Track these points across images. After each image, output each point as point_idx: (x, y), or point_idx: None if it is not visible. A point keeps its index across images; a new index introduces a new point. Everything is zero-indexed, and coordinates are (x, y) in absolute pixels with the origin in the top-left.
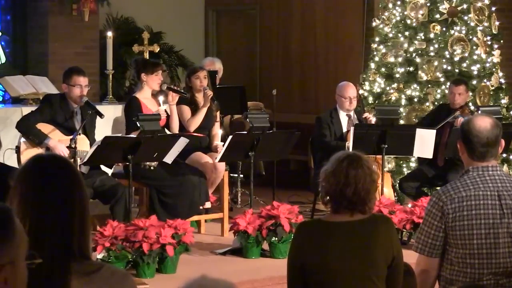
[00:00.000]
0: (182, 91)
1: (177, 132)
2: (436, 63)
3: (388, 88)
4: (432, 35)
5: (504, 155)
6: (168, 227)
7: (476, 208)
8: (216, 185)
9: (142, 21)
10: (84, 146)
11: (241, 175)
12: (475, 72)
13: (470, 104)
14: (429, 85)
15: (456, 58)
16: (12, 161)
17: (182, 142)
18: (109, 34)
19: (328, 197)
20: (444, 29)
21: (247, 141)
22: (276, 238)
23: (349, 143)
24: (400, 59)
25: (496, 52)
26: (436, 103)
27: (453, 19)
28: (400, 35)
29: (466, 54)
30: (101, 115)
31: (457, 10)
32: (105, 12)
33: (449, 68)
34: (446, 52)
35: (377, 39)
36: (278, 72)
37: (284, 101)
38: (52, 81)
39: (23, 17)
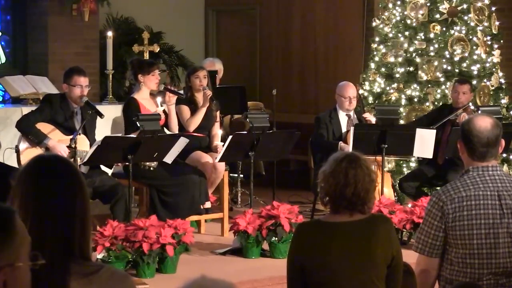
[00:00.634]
0: (180, 92)
1: (176, 132)
2: (436, 63)
3: (388, 88)
4: (432, 35)
5: (504, 155)
6: (168, 227)
7: (476, 208)
8: (216, 185)
9: (142, 21)
10: (84, 146)
11: (241, 175)
12: (475, 72)
13: (470, 104)
14: (429, 85)
15: (456, 58)
16: (11, 161)
17: (182, 142)
18: (109, 34)
19: (327, 198)
20: (444, 29)
21: (247, 141)
22: (276, 238)
23: (342, 143)
24: (400, 59)
25: (496, 52)
26: (436, 103)
27: (453, 19)
28: (400, 35)
29: (466, 54)
30: (101, 115)
31: (457, 10)
32: (105, 12)
33: (449, 68)
34: (446, 52)
35: (377, 39)
36: (278, 72)
37: (284, 101)
38: (52, 81)
39: (23, 17)
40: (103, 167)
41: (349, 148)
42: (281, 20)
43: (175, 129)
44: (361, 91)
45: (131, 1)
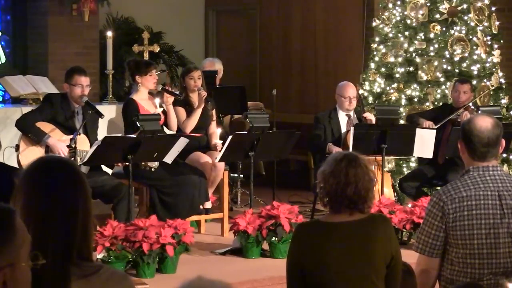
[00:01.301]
0: (177, 93)
1: (175, 131)
2: (436, 63)
3: (388, 88)
4: (432, 35)
5: (504, 155)
6: (168, 227)
7: (476, 208)
8: (216, 185)
9: (142, 21)
10: (84, 146)
11: (241, 175)
12: (475, 72)
13: (470, 104)
14: (429, 85)
15: (456, 58)
16: (12, 160)
17: (182, 142)
18: (109, 34)
19: (328, 198)
20: (444, 29)
21: (247, 141)
22: (276, 238)
23: (330, 144)
24: (400, 59)
25: (496, 52)
26: (436, 103)
27: (453, 19)
28: (400, 35)
29: (466, 54)
30: (101, 115)
31: (457, 10)
32: (105, 12)
33: (449, 68)
34: (446, 52)
35: (377, 39)
36: (278, 72)
37: (284, 101)
38: (52, 81)
39: (23, 17)
40: (103, 167)
41: (337, 149)
42: (281, 20)
43: (175, 128)
44: (361, 91)
45: (131, 1)
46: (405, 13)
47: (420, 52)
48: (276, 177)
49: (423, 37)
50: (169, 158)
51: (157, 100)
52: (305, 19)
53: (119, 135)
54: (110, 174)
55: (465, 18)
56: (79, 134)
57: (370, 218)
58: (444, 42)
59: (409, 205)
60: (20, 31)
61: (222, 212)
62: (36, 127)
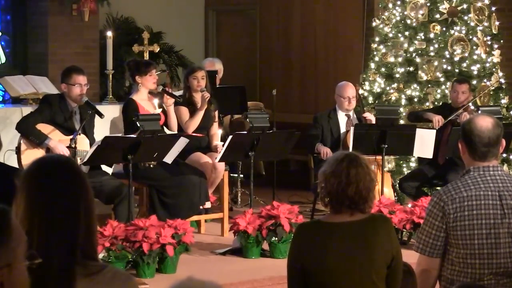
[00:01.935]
0: (177, 95)
1: (175, 131)
2: (436, 63)
3: (388, 88)
4: (432, 35)
5: (504, 155)
6: (168, 227)
7: (477, 208)
8: (216, 185)
9: (142, 21)
10: (83, 145)
11: (241, 175)
12: (475, 72)
13: (470, 104)
14: (429, 85)
15: (456, 58)
16: (12, 162)
17: (182, 142)
18: (109, 34)
19: (329, 198)
20: (444, 29)
21: (247, 141)
22: (276, 238)
23: (320, 144)
24: (400, 59)
25: (496, 52)
26: (436, 103)
27: (453, 19)
28: (400, 35)
29: (466, 54)
30: (101, 115)
31: (457, 10)
32: (105, 12)
33: (449, 68)
34: (446, 52)
35: (377, 39)
36: (278, 72)
37: (284, 101)
38: (52, 81)
39: (23, 17)
40: (104, 168)
41: (325, 149)
42: (281, 20)
43: (175, 129)
44: (361, 91)
45: (131, 1)
46: (405, 13)
47: (420, 52)
48: (276, 177)
49: (423, 37)
50: (169, 158)
51: (156, 101)
52: (305, 19)
53: (119, 135)
54: (110, 174)
55: (465, 18)
56: (79, 134)
57: (370, 219)
58: (444, 42)
59: (409, 205)
60: (20, 31)
61: (222, 212)
62: (37, 130)
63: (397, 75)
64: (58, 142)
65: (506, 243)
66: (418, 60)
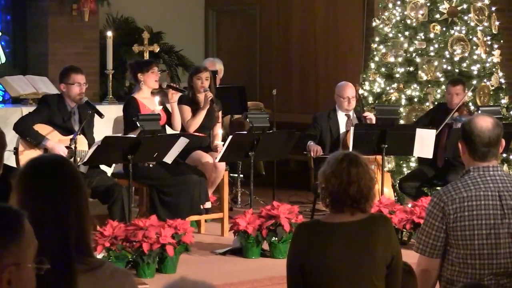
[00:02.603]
0: (182, 88)
1: (179, 129)
2: (436, 63)
3: (388, 88)
4: (432, 35)
5: (504, 155)
6: (168, 227)
7: (477, 208)
8: (216, 185)
9: (142, 21)
10: (82, 145)
11: (241, 175)
12: (475, 72)
13: (470, 104)
14: (429, 85)
15: (456, 58)
16: (10, 163)
17: (182, 142)
18: (109, 34)
19: (330, 198)
20: (444, 29)
21: (247, 141)
22: (276, 238)
23: (311, 142)
24: (400, 59)
25: (496, 52)
26: (436, 103)
27: (453, 19)
28: (400, 35)
29: (466, 54)
30: (101, 115)
31: (457, 10)
32: (105, 12)
33: (449, 68)
34: (446, 52)
35: (377, 39)
36: (278, 72)
37: (284, 101)
38: (52, 81)
39: (23, 17)
40: (102, 167)
41: (316, 147)
42: (281, 20)
43: (178, 126)
44: (361, 91)
45: (131, 1)
46: (405, 13)
47: (420, 52)
48: (276, 177)
49: (423, 37)
50: (169, 158)
51: (157, 98)
52: (305, 19)
53: (119, 135)
54: (110, 174)
55: (465, 18)
56: (79, 134)
57: (370, 218)
58: (444, 42)
59: (409, 205)
60: (20, 31)
61: (222, 212)
62: (34, 130)
63: (397, 75)
64: (58, 142)
65: (506, 244)
66: (418, 60)
